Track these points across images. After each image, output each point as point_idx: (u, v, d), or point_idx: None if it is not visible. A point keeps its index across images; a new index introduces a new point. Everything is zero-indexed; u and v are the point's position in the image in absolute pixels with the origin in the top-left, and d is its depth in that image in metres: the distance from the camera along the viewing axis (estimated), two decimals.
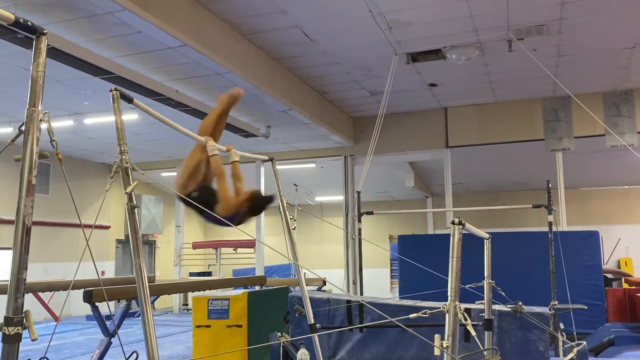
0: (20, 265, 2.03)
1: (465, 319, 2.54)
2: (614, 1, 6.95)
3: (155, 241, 16.90)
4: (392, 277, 17.71)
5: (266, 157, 4.90)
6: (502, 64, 9.13)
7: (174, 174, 14.70)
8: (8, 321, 1.96)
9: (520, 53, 8.05)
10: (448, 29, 7.71)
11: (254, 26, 7.55)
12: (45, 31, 2.22)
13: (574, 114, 10.74)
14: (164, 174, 15.42)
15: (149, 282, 2.75)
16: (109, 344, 5.94)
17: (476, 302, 4.70)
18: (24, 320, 1.99)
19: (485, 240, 4.15)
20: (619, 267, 14.77)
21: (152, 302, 11.45)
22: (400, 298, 9.37)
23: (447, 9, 7.11)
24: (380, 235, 17.32)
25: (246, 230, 3.79)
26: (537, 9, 7.17)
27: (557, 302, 7.14)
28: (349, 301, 5.86)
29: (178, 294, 14.82)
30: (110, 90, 2.84)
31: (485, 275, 4.24)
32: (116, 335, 6.00)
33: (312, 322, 4.67)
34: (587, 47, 8.47)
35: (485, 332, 4.28)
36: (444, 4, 6.99)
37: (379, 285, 16.38)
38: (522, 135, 11.27)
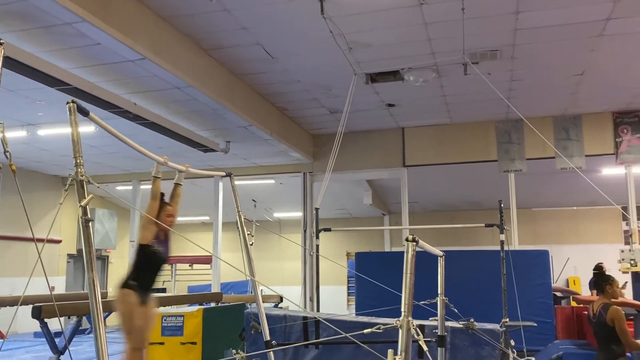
0: None
1: (418, 335, 2.59)
2: (564, 29, 7.27)
3: (108, 256, 16.50)
4: (349, 294, 17.75)
5: (224, 173, 4.90)
6: (457, 87, 9.40)
7: (130, 187, 14.46)
8: None
9: (475, 76, 8.30)
10: (406, 51, 7.90)
11: (215, 42, 7.57)
12: (1, 41, 2.20)
13: (526, 137, 11.11)
14: (119, 188, 15.12)
15: (101, 298, 2.71)
16: None
17: (430, 318, 4.79)
18: None
19: (439, 257, 4.25)
20: (568, 286, 15.21)
21: (104, 319, 11.15)
22: (356, 314, 9.41)
23: (405, 32, 7.30)
24: (338, 252, 17.38)
25: (203, 245, 3.79)
26: (492, 35, 7.44)
27: (508, 319, 7.31)
28: (305, 318, 5.87)
29: None
30: (67, 103, 2.82)
31: (439, 292, 4.34)
32: (66, 353, 5.84)
33: (268, 338, 4.67)
34: (538, 72, 8.81)
35: (439, 348, 4.36)
36: (402, 27, 7.18)
37: (336, 302, 16.40)
38: (476, 156, 11.58)
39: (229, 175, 5.03)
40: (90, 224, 2.68)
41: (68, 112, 2.78)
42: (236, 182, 5.08)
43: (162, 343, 6.38)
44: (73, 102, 2.81)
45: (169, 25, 7.01)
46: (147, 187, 14.76)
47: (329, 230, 9.48)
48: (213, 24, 7.02)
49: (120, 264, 16.32)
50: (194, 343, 6.27)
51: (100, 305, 2.62)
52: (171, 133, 9.72)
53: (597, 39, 7.54)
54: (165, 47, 6.95)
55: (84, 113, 2.91)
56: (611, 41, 7.58)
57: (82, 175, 2.68)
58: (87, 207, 2.66)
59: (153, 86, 8.11)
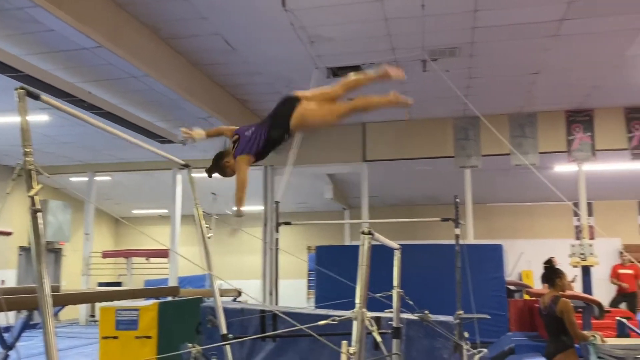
0: None
1: (372, 326, 2.62)
2: (520, 29, 7.44)
3: (61, 249, 16.07)
4: (309, 287, 17.79)
5: (181, 162, 4.78)
6: (417, 83, 9.49)
7: (85, 179, 14.10)
8: None
9: (434, 73, 8.41)
10: (367, 46, 7.94)
11: (173, 31, 7.44)
12: None
13: (482, 134, 11.32)
14: (73, 179, 14.74)
15: (53, 292, 2.64)
16: (6, 357, 5.60)
17: (385, 310, 4.85)
18: None
19: (395, 250, 4.30)
20: (521, 279, 15.62)
21: (57, 313, 10.88)
22: (315, 308, 9.45)
23: (366, 27, 7.33)
24: (299, 246, 17.40)
25: (160, 239, 3.72)
26: (451, 32, 7.55)
27: (462, 311, 7.45)
28: (262, 311, 5.85)
29: (85, 305, 14.15)
30: (16, 89, 2.73)
31: (395, 285, 4.38)
32: (15, 348, 5.67)
33: (225, 332, 4.63)
34: (495, 70, 8.99)
35: (394, 339, 4.41)
36: (363, 22, 7.20)
37: (296, 295, 16.42)
38: (434, 151, 11.74)
39: (186, 166, 4.94)
40: (39, 215, 2.60)
41: (17, 99, 2.69)
42: (195, 175, 4.99)
43: (116, 337, 6.27)
44: (22, 88, 2.72)
45: (126, 12, 6.85)
46: (101, 178, 14.46)
47: (288, 224, 9.47)
48: (172, 12, 6.90)
49: (74, 257, 15.92)
50: (149, 337, 6.18)
51: (50, 299, 2.55)
52: (127, 123, 9.53)
53: (552, 39, 7.74)
54: (122, 35, 6.79)
55: (34, 97, 2.81)
56: (565, 41, 7.80)
57: (30, 165, 2.60)
58: (36, 197, 2.58)
59: (109, 75, 7.92)
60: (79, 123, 8.91)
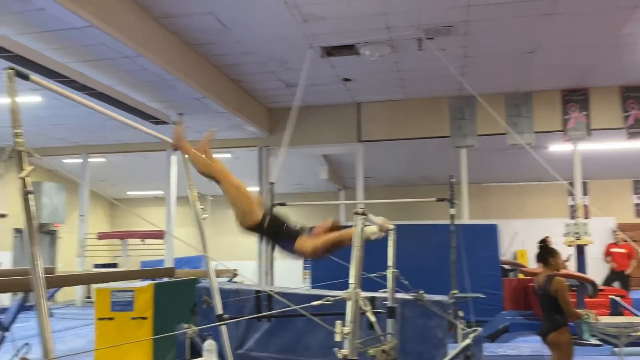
0: None
1: (366, 306, 2.63)
2: (516, 7, 7.36)
3: (56, 231, 16.05)
4: (304, 268, 17.85)
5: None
6: (412, 62, 9.43)
7: (80, 160, 14.03)
8: None
9: (430, 52, 8.34)
10: (362, 25, 7.85)
11: (166, 10, 7.33)
12: None
13: (478, 113, 11.27)
14: (66, 161, 14.67)
15: (48, 274, 2.63)
16: (2, 339, 5.61)
17: (380, 290, 4.86)
18: None
19: (389, 231, 4.30)
20: (516, 259, 15.72)
21: (53, 295, 10.90)
22: (311, 288, 9.48)
23: (360, 5, 7.24)
24: None
25: (156, 220, 3.70)
26: (446, 10, 7.47)
27: (457, 291, 7.48)
28: (257, 291, 5.86)
29: (81, 287, 14.18)
30: (5, 69, 2.68)
31: (389, 265, 4.39)
32: (10, 330, 5.69)
33: (220, 312, 4.64)
34: (491, 49, 8.93)
35: (389, 319, 4.43)
36: (357, 0, 7.11)
37: (292, 276, 16.48)
38: (430, 131, 11.70)
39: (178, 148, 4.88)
40: (30, 196, 2.57)
41: (7, 80, 2.65)
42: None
43: (111, 318, 6.28)
44: (11, 68, 2.68)
45: None
46: (95, 159, 14.37)
47: (283, 204, 9.43)
48: None
49: (69, 238, 15.91)
50: (144, 318, 6.20)
51: (43, 279, 2.54)
52: (120, 104, 9.45)
53: (548, 17, 7.67)
54: (112, 14, 6.69)
55: (24, 77, 2.77)
56: (561, 20, 7.73)
57: (21, 146, 2.58)
58: (27, 179, 2.55)
59: (101, 55, 7.82)
60: (71, 104, 8.82)
